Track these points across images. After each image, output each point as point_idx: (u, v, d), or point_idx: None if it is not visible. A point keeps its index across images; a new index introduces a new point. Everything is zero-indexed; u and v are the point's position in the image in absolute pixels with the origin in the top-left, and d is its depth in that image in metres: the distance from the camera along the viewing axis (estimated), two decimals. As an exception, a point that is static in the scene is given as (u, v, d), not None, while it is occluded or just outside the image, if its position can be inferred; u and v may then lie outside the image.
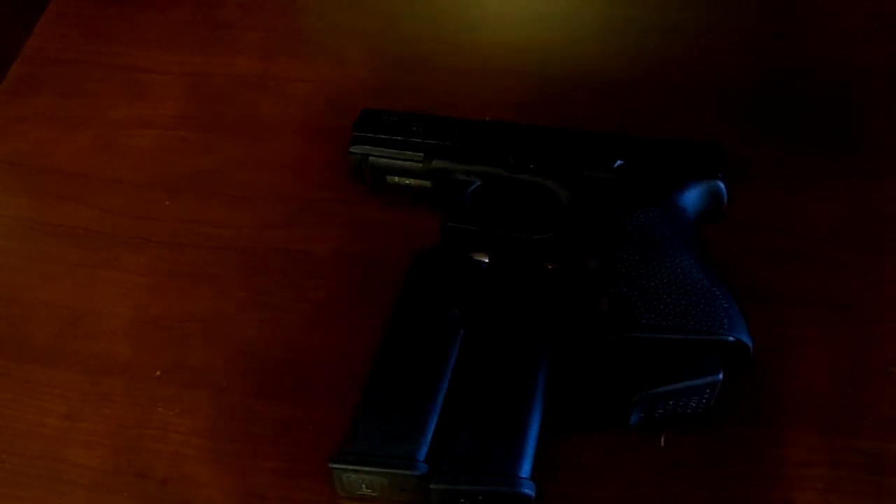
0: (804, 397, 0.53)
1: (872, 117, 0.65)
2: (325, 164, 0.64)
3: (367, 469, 0.48)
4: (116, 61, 0.71)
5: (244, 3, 0.75)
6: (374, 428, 0.49)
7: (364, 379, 0.52)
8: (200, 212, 0.62)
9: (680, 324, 0.51)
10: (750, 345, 0.51)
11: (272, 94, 0.69)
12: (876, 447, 0.51)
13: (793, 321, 0.55)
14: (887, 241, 0.59)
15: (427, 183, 0.61)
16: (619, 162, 0.59)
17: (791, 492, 0.50)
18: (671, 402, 0.50)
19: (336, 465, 0.48)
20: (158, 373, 0.55)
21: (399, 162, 0.60)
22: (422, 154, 0.60)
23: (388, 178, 0.61)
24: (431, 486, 0.48)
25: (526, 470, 0.48)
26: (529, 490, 0.48)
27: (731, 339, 0.51)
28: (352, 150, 0.61)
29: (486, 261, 0.56)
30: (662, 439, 0.51)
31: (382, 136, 0.61)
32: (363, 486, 0.49)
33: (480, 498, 0.48)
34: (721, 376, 0.50)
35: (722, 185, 0.59)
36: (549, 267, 0.56)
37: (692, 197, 0.58)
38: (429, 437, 0.49)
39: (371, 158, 0.61)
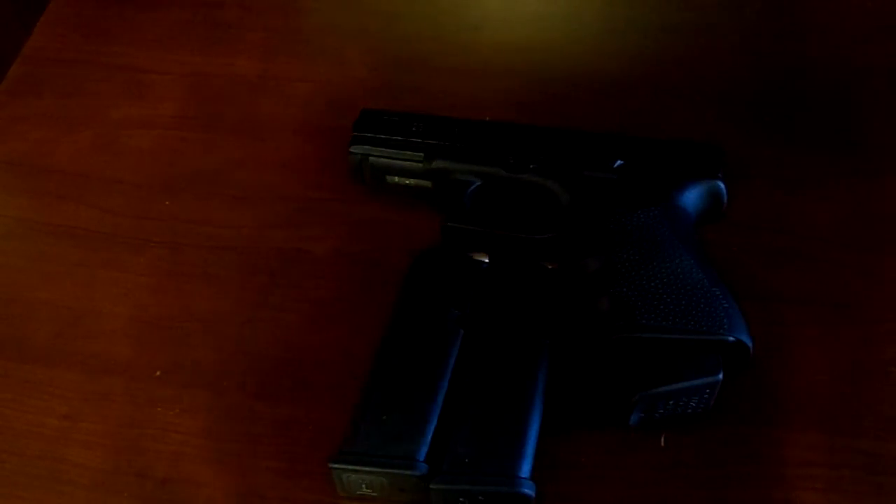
0: (804, 397, 0.53)
1: (872, 117, 0.65)
2: (325, 164, 0.64)
3: (367, 469, 0.48)
4: (116, 61, 0.71)
5: (244, 3, 0.75)
6: (374, 428, 0.49)
7: (364, 379, 0.52)
8: (200, 212, 0.62)
9: (680, 324, 0.51)
10: (750, 345, 0.51)
11: (272, 94, 0.69)
12: (876, 447, 0.51)
13: (793, 321, 0.55)
14: (887, 241, 0.59)
15: (427, 183, 0.61)
16: (619, 162, 0.59)
17: (791, 492, 0.50)
18: (671, 402, 0.50)
19: (336, 465, 0.48)
20: (158, 373, 0.55)
21: (399, 162, 0.60)
22: (422, 154, 0.60)
23: (388, 178, 0.61)
24: (431, 486, 0.48)
25: (526, 470, 0.48)
26: (529, 490, 0.48)
27: (731, 339, 0.51)
28: (352, 150, 0.61)
29: (486, 261, 0.56)
30: (662, 439, 0.51)
31: (382, 136, 0.61)
32: (363, 486, 0.49)
33: (480, 498, 0.48)
34: (721, 376, 0.50)
35: (722, 185, 0.59)
36: (549, 267, 0.56)
37: (692, 197, 0.58)
38: (429, 437, 0.49)
39: (371, 158, 0.61)
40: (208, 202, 0.63)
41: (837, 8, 0.71)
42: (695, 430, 0.52)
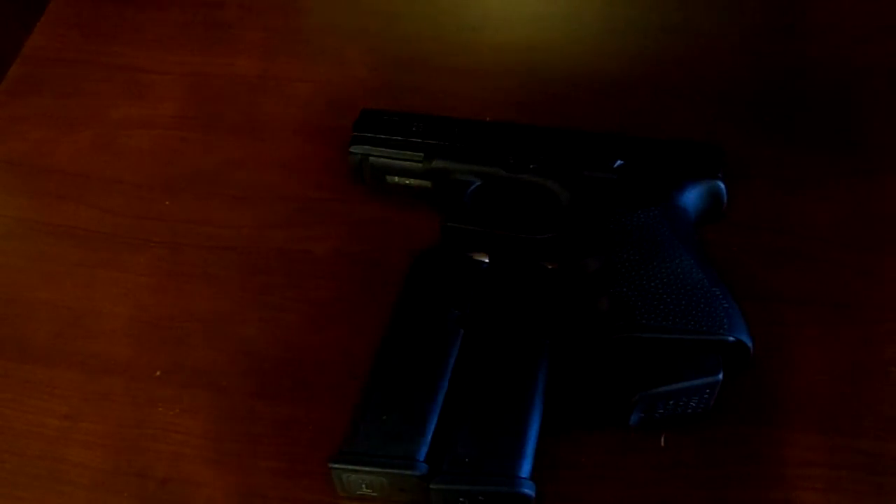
0: (804, 397, 0.53)
1: (872, 117, 0.65)
2: (325, 164, 0.64)
3: (367, 469, 0.48)
4: (116, 61, 0.71)
5: (244, 3, 0.75)
6: (374, 428, 0.49)
7: (364, 379, 0.52)
8: (200, 212, 0.62)
9: (680, 324, 0.51)
10: (750, 345, 0.51)
11: (272, 94, 0.69)
12: (876, 447, 0.51)
13: (793, 321, 0.55)
14: (887, 241, 0.59)
15: (427, 183, 0.61)
16: (619, 162, 0.59)
17: (791, 492, 0.50)
18: (671, 402, 0.50)
19: (336, 465, 0.48)
20: (158, 373, 0.55)
21: (399, 162, 0.60)
22: (422, 154, 0.60)
23: (388, 178, 0.61)
24: (431, 486, 0.48)
25: (526, 470, 0.48)
26: (529, 490, 0.48)
27: (731, 339, 0.51)
28: (352, 150, 0.61)
29: (486, 261, 0.56)
30: (662, 439, 0.51)
31: (382, 136, 0.61)
32: (363, 486, 0.49)
33: (480, 498, 0.48)
34: (721, 376, 0.50)
35: (722, 185, 0.59)
36: (549, 267, 0.56)
37: (692, 197, 0.58)
38: (429, 437, 0.49)
39: (371, 158, 0.61)
40: (208, 202, 0.63)
41: (837, 8, 0.71)
42: (695, 430, 0.51)
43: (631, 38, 0.71)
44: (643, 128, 0.62)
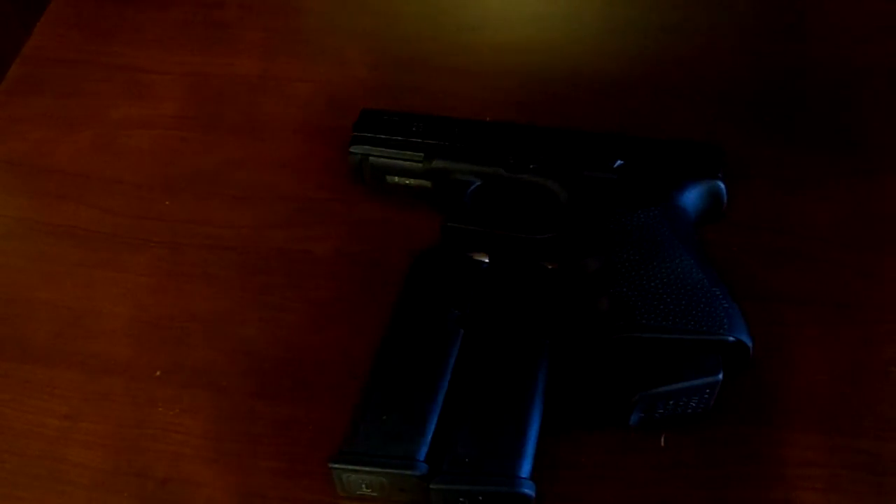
0: (804, 397, 0.53)
1: (872, 117, 0.65)
2: (325, 164, 0.64)
3: (367, 469, 0.48)
4: (116, 61, 0.71)
5: (244, 3, 0.75)
6: (374, 428, 0.49)
7: (364, 379, 0.52)
8: (200, 212, 0.62)
9: (680, 324, 0.51)
10: (750, 345, 0.51)
11: (272, 94, 0.69)
12: (876, 447, 0.51)
13: (793, 321, 0.55)
14: (887, 241, 0.59)
15: (427, 183, 0.61)
16: (619, 162, 0.59)
17: (791, 492, 0.50)
18: (671, 402, 0.50)
19: (336, 465, 0.48)
20: (158, 373, 0.55)
21: (399, 162, 0.60)
22: (422, 154, 0.60)
23: (388, 178, 0.61)
24: (431, 486, 0.48)
25: (526, 470, 0.48)
26: (529, 490, 0.48)
27: (731, 339, 0.51)
28: (352, 150, 0.61)
29: (486, 261, 0.56)
30: (662, 439, 0.51)
31: (382, 136, 0.61)
32: (363, 486, 0.49)
33: (480, 498, 0.48)
34: (721, 376, 0.50)
35: (722, 185, 0.59)
36: (549, 267, 0.56)
37: (692, 197, 0.58)
38: (429, 437, 0.49)
39: (371, 158, 0.61)
40: (208, 202, 0.63)
41: (837, 8, 0.71)
42: (695, 430, 0.51)
43: (631, 38, 0.71)
44: (643, 128, 0.62)
